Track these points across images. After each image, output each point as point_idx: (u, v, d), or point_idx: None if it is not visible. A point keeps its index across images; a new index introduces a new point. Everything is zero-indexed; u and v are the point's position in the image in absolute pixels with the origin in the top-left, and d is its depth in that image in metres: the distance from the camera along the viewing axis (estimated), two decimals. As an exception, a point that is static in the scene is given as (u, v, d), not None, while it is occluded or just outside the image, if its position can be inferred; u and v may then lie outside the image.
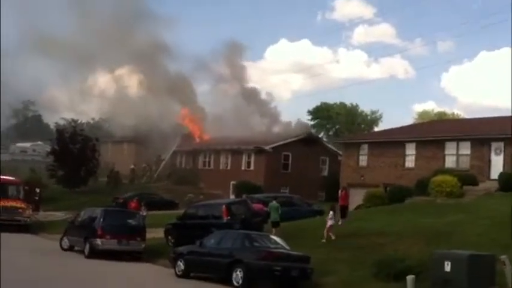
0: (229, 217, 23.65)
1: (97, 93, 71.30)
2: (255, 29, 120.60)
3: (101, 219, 23.84)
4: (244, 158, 52.10)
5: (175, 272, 19.86)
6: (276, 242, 19.30)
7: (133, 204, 32.51)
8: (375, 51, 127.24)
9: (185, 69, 67.69)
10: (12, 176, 36.54)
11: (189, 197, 43.76)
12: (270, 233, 22.74)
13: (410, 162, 37.22)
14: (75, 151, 51.75)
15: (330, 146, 54.20)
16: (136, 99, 64.59)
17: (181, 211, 30.85)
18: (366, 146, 40.84)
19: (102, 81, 71.84)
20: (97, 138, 54.83)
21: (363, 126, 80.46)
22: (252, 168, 51.00)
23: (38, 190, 40.82)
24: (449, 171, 30.94)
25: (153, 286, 19.19)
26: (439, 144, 35.53)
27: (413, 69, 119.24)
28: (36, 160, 69.43)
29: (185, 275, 19.55)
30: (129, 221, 24.75)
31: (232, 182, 48.76)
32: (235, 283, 17.64)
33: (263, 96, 67.08)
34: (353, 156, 41.21)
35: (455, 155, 34.59)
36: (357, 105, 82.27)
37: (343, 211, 27.12)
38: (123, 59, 65.02)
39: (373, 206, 31.16)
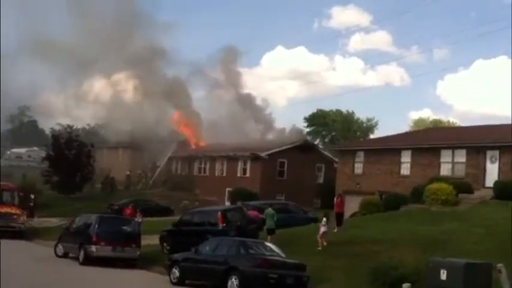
0: (224, 224, 23.61)
1: (92, 99, 71.27)
2: (252, 35, 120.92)
3: (96, 226, 23.75)
4: (240, 165, 52.08)
5: (171, 279, 19.79)
6: (271, 250, 19.26)
7: (128, 211, 32.38)
8: (371, 58, 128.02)
9: (181, 74, 67.72)
10: (6, 182, 36.41)
11: (184, 203, 43.64)
12: (265, 240, 22.71)
13: (405, 169, 37.28)
14: (71, 157, 51.69)
15: (325, 153, 54.25)
16: (132, 105, 64.65)
17: (176, 218, 30.81)
18: (361, 153, 40.92)
19: (98, 86, 71.89)
20: (92, 144, 54.76)
21: (358, 133, 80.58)
22: (247, 175, 50.97)
23: (32, 196, 40.69)
24: (445, 179, 31.00)
25: (148, 293, 19.14)
26: (434, 152, 35.61)
27: (409, 76, 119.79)
28: (31, 166, 69.33)
29: (180, 282, 19.47)
30: (124, 227, 24.66)
31: (227, 189, 48.72)
32: (230, 290, 17.58)
33: (258, 102, 67.32)
34: (349, 164, 41.25)
35: (451, 163, 34.68)
36: (352, 113, 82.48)
37: (339, 218, 27.06)
38: (121, 64, 65.11)
39: (368, 213, 31.17)
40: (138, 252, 23.86)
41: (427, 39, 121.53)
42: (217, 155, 55.15)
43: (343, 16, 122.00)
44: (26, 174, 56.99)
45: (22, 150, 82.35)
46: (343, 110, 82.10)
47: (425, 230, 23.45)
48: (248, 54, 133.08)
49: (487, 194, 30.07)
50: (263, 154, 49.69)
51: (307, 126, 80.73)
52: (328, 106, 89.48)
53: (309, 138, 69.59)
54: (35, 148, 78.57)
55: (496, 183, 30.37)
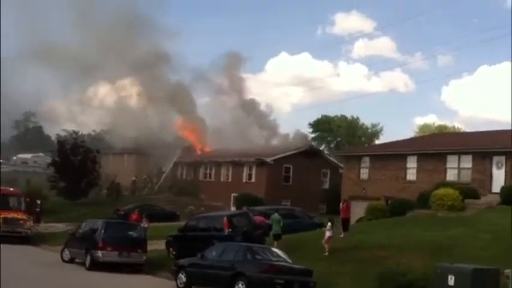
0: (230, 229, 23.58)
1: (97, 105, 71.42)
2: (256, 41, 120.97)
3: (102, 231, 23.79)
4: (246, 170, 52.08)
5: (177, 285, 19.77)
6: (278, 255, 19.23)
7: (134, 216, 32.41)
8: (375, 64, 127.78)
9: (185, 80, 67.75)
10: (10, 187, 36.52)
11: (190, 208, 43.66)
12: (271, 245, 22.69)
13: (411, 175, 37.21)
14: (76, 163, 51.81)
15: (331, 158, 54.16)
16: (137, 111, 64.77)
17: (182, 223, 30.80)
18: (367, 159, 40.87)
19: (102, 92, 72.01)
20: (98, 150, 54.85)
21: (363, 139, 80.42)
22: (253, 180, 50.95)
23: (39, 202, 40.72)
24: (451, 185, 30.89)
25: (154, 299, 19.15)
26: (440, 157, 35.53)
27: (413, 82, 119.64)
28: (37, 171, 69.47)
29: (187, 287, 19.47)
30: (130, 233, 24.69)
31: (233, 194, 48.69)
32: (237, 296, 17.56)
33: (262, 108, 67.29)
34: (354, 169, 41.20)
35: (457, 169, 34.60)
36: (357, 118, 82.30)
37: (345, 224, 27.02)
38: (125, 69, 65.24)
39: (374, 218, 31.07)
40: (144, 258, 23.86)
41: (431, 46, 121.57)
42: (222, 161, 55.16)
43: (346, 22, 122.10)
44: (31, 179, 57.17)
45: (28, 155, 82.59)
46: (348, 115, 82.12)
47: (431, 235, 23.39)
48: (252, 60, 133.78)
49: (494, 200, 29.96)
50: (268, 159, 49.68)
51: (312, 132, 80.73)
52: (332, 112, 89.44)
53: (314, 143, 69.51)
54: (41, 154, 78.75)
55: (502, 188, 30.28)
